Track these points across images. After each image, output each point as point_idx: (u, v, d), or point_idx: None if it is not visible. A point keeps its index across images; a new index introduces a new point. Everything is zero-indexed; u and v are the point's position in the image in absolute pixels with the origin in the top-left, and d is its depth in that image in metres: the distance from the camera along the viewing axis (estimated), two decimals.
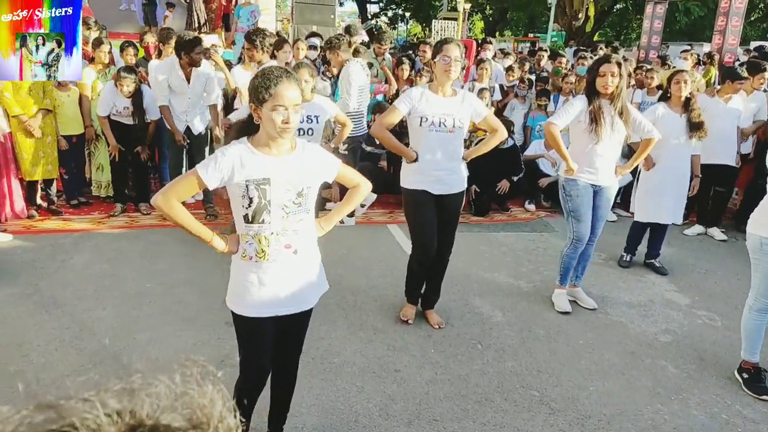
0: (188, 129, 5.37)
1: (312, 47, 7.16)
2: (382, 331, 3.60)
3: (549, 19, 22.95)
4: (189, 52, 5.04)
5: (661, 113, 4.44)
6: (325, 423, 2.75)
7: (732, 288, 4.52)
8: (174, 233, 4.90)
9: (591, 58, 7.76)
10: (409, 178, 3.45)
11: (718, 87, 5.78)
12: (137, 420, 0.51)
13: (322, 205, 5.42)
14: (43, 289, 3.95)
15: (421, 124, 3.30)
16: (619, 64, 3.60)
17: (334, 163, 2.25)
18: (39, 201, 5.51)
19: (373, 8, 38.21)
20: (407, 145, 3.50)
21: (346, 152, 5.02)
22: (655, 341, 3.65)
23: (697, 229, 5.76)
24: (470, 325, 3.74)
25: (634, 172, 4.99)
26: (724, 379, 3.25)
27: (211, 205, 5.54)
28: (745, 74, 5.49)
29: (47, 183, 5.49)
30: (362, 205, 5.43)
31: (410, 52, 9.39)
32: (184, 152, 5.51)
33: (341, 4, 31.94)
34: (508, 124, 5.66)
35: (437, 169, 3.37)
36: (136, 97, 5.32)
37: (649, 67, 7.37)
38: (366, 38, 12.13)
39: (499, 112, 6.89)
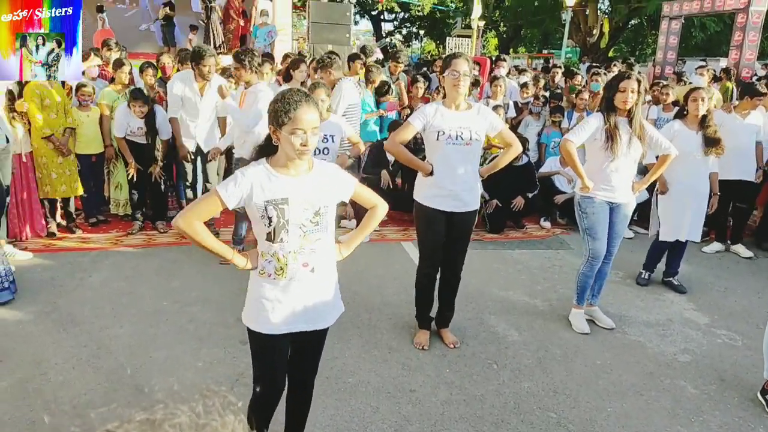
0: (198, 146, 5.40)
1: None
2: (397, 350, 3.59)
3: (563, 36, 22.98)
4: (198, 63, 5.03)
5: (678, 130, 4.41)
6: None
7: (752, 306, 4.44)
8: (190, 251, 4.94)
9: (605, 74, 7.75)
10: (424, 192, 3.45)
11: (736, 102, 5.72)
12: None
13: (336, 223, 5.43)
14: (62, 307, 4.00)
15: (438, 138, 3.31)
16: (638, 81, 3.60)
17: (351, 182, 2.28)
18: (59, 219, 5.60)
19: (387, 26, 38.65)
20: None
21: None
22: (674, 361, 3.58)
23: (716, 246, 5.68)
24: (485, 344, 3.71)
25: (651, 189, 4.95)
26: (747, 401, 3.18)
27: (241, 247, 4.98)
28: (765, 90, 5.44)
29: (65, 201, 5.57)
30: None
31: (425, 69, 9.45)
32: (198, 170, 5.54)
33: (356, 23, 32.33)
34: (523, 141, 5.65)
35: (455, 184, 3.36)
36: (149, 117, 5.40)
37: (664, 83, 7.33)
38: (381, 56, 12.23)
39: (513, 129, 6.88)
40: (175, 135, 5.36)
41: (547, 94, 7.68)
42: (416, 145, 5.04)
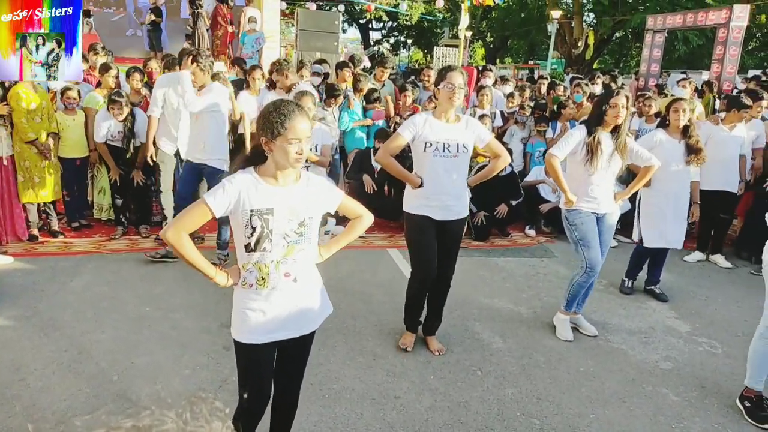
0: (178, 151, 5.37)
1: (316, 74, 7.26)
2: (382, 356, 3.58)
3: (549, 47, 23.27)
4: (178, 66, 4.98)
5: (660, 139, 4.48)
6: None
7: (732, 315, 4.50)
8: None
9: (587, 85, 7.86)
10: (413, 202, 3.47)
11: (722, 115, 5.81)
12: None
13: (322, 229, 5.43)
14: (43, 312, 3.95)
15: (425, 150, 3.34)
16: (627, 98, 3.69)
17: (338, 194, 2.29)
18: (40, 223, 5.53)
19: (375, 35, 38.82)
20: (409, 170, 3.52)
21: None
22: (656, 369, 3.62)
23: (697, 255, 5.76)
24: (470, 351, 3.72)
25: (633, 200, 5.02)
26: (726, 408, 3.22)
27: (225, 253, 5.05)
28: (750, 102, 5.53)
29: (48, 204, 5.50)
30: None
31: (412, 78, 9.50)
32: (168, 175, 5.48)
33: (344, 31, 32.43)
34: (507, 151, 5.70)
35: (442, 194, 3.38)
36: (128, 120, 5.37)
37: (648, 94, 7.44)
38: (368, 64, 12.29)
39: (498, 138, 6.94)
40: (148, 133, 5.29)
41: (533, 104, 7.75)
42: (403, 153, 5.06)
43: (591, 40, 23.11)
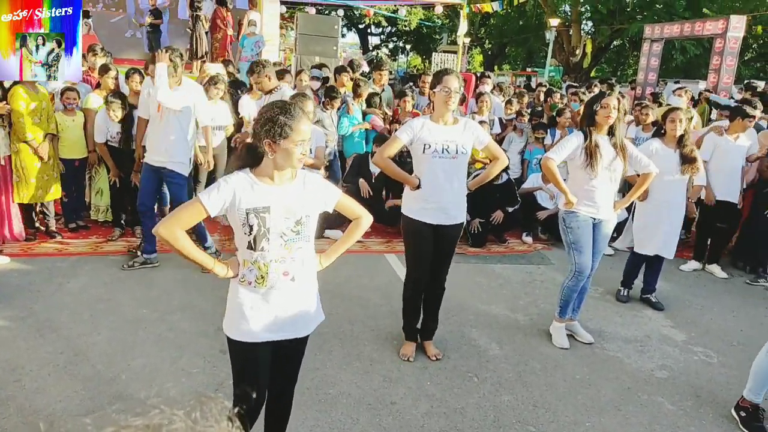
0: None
1: (315, 78, 7.28)
2: (379, 361, 3.58)
3: (547, 54, 23.36)
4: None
5: (656, 148, 4.50)
6: None
7: (728, 325, 4.52)
8: (170, 258, 4.89)
9: (584, 93, 7.90)
10: (411, 206, 3.48)
11: (726, 124, 5.80)
12: None
13: (321, 232, 5.44)
14: (39, 313, 3.93)
15: (424, 152, 3.34)
16: (618, 99, 3.70)
17: (335, 193, 2.29)
18: (37, 224, 5.52)
19: (374, 40, 38.93)
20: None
21: None
22: (652, 377, 3.63)
23: (693, 264, 5.78)
24: (466, 357, 3.72)
25: (630, 208, 5.04)
26: (721, 417, 3.23)
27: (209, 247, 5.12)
28: (754, 112, 5.55)
29: (44, 205, 5.49)
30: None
31: (410, 84, 9.53)
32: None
33: (343, 36, 32.51)
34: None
35: (441, 197, 3.39)
36: (125, 122, 5.36)
37: (645, 103, 7.49)
38: (367, 69, 12.32)
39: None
40: (137, 133, 5.15)
41: (530, 111, 7.79)
42: (401, 158, 5.08)
43: (589, 49, 23.24)
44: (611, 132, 3.74)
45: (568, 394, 3.37)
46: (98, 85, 5.99)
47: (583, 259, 3.85)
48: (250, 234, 2.06)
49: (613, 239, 5.92)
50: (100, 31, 11.18)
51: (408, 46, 39.48)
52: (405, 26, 34.02)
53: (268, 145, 2.04)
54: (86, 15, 11.02)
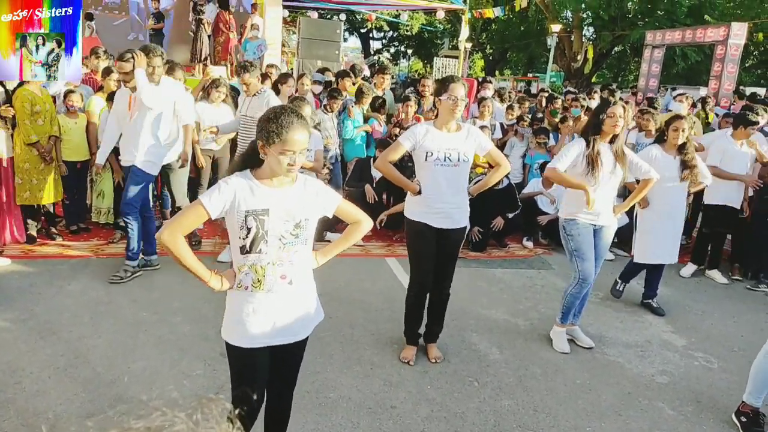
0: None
1: (317, 82, 7.29)
2: (379, 365, 3.58)
3: (548, 60, 23.41)
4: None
5: (656, 155, 4.50)
6: None
7: (728, 330, 4.51)
8: (170, 261, 4.88)
9: (584, 99, 7.92)
10: (414, 209, 3.49)
11: (729, 131, 5.79)
12: None
13: (320, 236, 5.44)
14: (39, 315, 3.93)
15: (426, 159, 3.35)
16: (624, 108, 3.72)
17: (335, 198, 2.29)
18: (38, 226, 5.52)
19: (376, 44, 39.03)
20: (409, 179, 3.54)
21: None
22: (652, 382, 3.63)
23: (691, 268, 5.76)
24: (467, 362, 3.72)
25: (631, 213, 5.04)
26: (722, 423, 3.23)
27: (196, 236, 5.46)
28: (756, 119, 5.54)
29: (46, 206, 5.49)
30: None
31: (412, 88, 9.56)
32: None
33: (345, 40, 32.61)
34: None
35: (443, 203, 3.40)
36: None
37: (649, 110, 7.50)
38: (368, 73, 12.36)
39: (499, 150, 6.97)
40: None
41: (531, 116, 7.80)
42: (402, 162, 5.08)
43: (590, 54, 23.27)
44: (612, 140, 3.75)
45: (568, 399, 3.36)
46: (101, 88, 6.00)
47: (587, 266, 3.85)
48: (248, 237, 2.05)
49: (613, 244, 5.92)
50: (103, 34, 11.23)
51: (409, 51, 39.58)
52: (406, 31, 34.07)
53: (261, 147, 2.05)
54: (89, 17, 11.09)
